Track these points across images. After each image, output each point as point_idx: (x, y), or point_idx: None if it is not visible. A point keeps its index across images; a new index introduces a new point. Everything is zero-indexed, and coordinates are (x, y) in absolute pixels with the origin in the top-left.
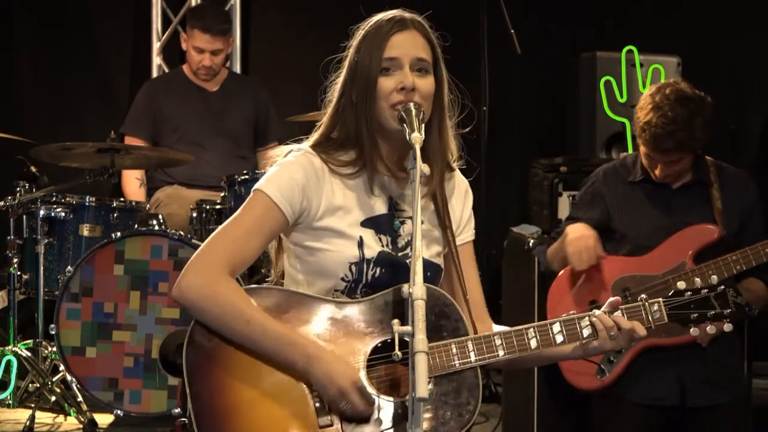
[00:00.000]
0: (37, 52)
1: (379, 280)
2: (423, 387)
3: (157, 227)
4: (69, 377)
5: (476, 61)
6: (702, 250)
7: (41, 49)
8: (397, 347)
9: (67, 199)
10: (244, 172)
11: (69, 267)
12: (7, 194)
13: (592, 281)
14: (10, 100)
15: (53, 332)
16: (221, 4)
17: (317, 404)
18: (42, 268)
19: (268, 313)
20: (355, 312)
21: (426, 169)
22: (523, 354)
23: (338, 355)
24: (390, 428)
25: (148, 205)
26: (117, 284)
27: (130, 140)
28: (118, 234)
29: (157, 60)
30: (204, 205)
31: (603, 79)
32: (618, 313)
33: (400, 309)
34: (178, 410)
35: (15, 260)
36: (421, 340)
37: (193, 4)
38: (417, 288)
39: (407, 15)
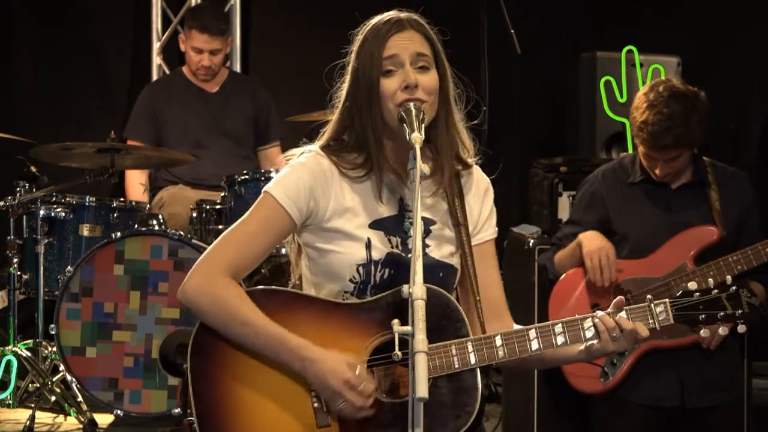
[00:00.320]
0: (37, 52)
1: (387, 282)
2: (423, 387)
3: (157, 227)
4: (69, 377)
5: (476, 61)
6: (702, 252)
7: (41, 49)
8: (397, 347)
9: (67, 199)
10: (244, 172)
11: (69, 267)
12: (7, 194)
13: (593, 285)
14: (10, 100)
15: (53, 332)
16: (221, 4)
17: (315, 404)
18: (42, 268)
19: (271, 314)
20: (356, 313)
21: (426, 168)
22: (524, 355)
23: (332, 354)
24: (389, 429)
25: (148, 206)
26: (117, 284)
27: (132, 144)
28: (118, 234)
29: (157, 60)
30: (204, 205)
31: (603, 79)
32: (623, 314)
33: (401, 309)
34: (178, 410)
35: (15, 260)
36: (421, 340)
37: (193, 3)
38: (417, 288)
39: (403, 15)
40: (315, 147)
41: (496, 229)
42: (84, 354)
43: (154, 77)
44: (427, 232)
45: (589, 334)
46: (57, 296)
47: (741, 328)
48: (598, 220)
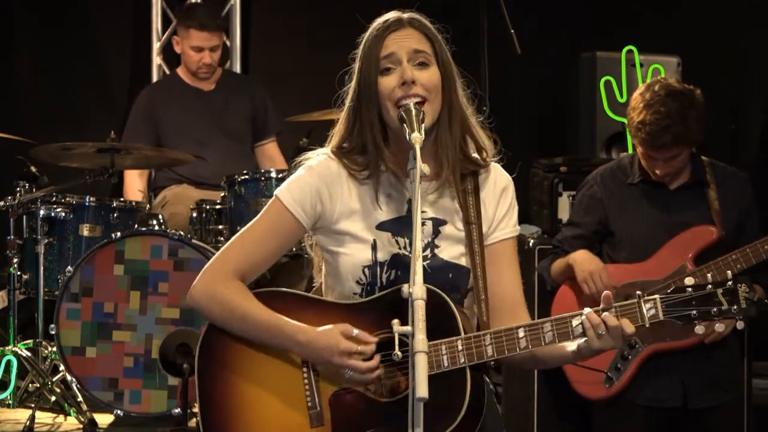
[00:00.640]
0: (37, 52)
1: (394, 283)
2: (423, 387)
3: (157, 227)
4: (69, 377)
5: (476, 61)
6: (702, 252)
7: (41, 49)
8: (397, 347)
9: (67, 199)
10: (244, 172)
11: (69, 267)
12: (7, 194)
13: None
14: (10, 100)
15: (53, 332)
16: (221, 4)
17: (309, 404)
18: (42, 268)
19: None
20: (356, 313)
21: (426, 168)
22: (512, 353)
23: (324, 331)
24: (382, 428)
25: (148, 206)
26: (117, 284)
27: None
28: (118, 234)
29: (157, 60)
30: (204, 205)
31: (603, 79)
32: (612, 311)
33: (400, 309)
34: (178, 410)
35: (15, 260)
36: (421, 340)
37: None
38: (417, 288)
39: (405, 15)
40: (326, 150)
41: (517, 227)
42: (84, 354)
43: (154, 77)
44: (436, 233)
45: (578, 331)
46: (57, 296)
47: (740, 325)
48: (597, 221)
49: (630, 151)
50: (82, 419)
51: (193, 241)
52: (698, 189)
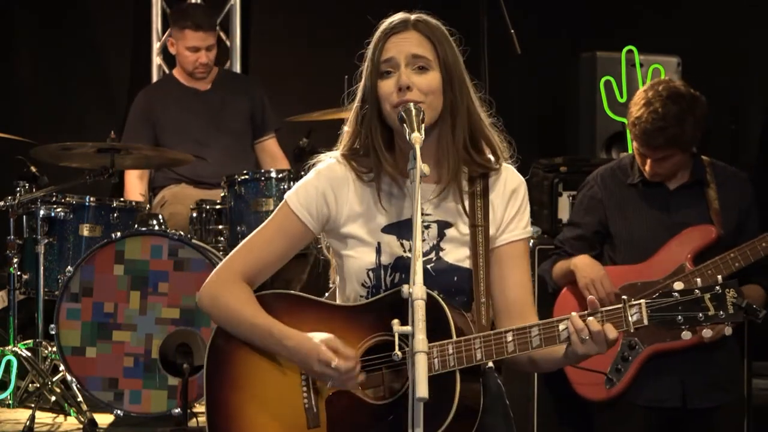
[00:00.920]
0: (37, 52)
1: (397, 286)
2: (423, 387)
3: (157, 227)
4: (69, 377)
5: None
6: (701, 252)
7: (41, 49)
8: (396, 347)
9: (67, 199)
10: (244, 172)
11: (69, 267)
12: (7, 194)
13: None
14: (10, 100)
15: (53, 332)
16: (221, 4)
17: (306, 405)
18: (42, 268)
19: (279, 317)
20: (355, 315)
21: (426, 168)
22: (501, 357)
23: (308, 337)
24: (376, 430)
25: (148, 206)
26: (117, 284)
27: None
28: (118, 234)
29: (157, 60)
30: (204, 205)
31: (603, 79)
32: (597, 316)
33: (399, 310)
34: (178, 410)
35: (15, 260)
36: (421, 340)
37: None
38: (417, 288)
39: (412, 17)
40: (336, 153)
41: (528, 229)
42: (84, 354)
43: (154, 77)
44: (441, 236)
45: (564, 336)
46: (57, 296)
47: (727, 330)
48: (598, 222)
49: (630, 151)
50: (82, 419)
51: (193, 241)
52: (698, 189)
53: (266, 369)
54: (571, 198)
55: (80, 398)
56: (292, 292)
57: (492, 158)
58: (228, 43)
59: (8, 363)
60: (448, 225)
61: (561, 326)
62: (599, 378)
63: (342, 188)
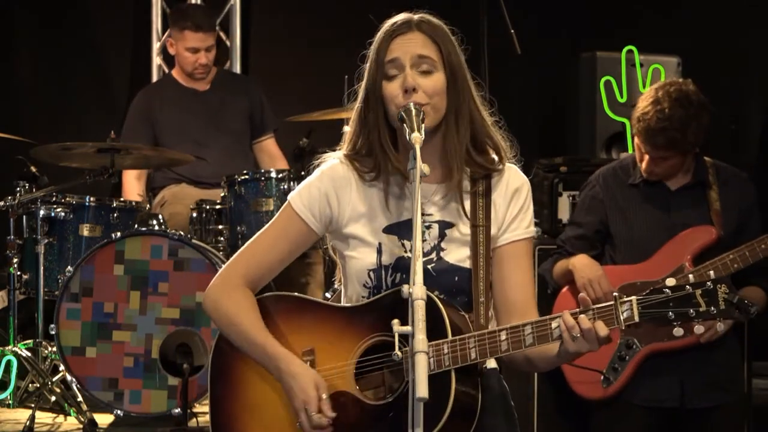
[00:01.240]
0: (37, 52)
1: (398, 286)
2: (423, 387)
3: (157, 227)
4: (69, 377)
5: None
6: (701, 252)
7: (41, 49)
8: (396, 347)
9: (67, 199)
10: (244, 172)
11: (69, 267)
12: (7, 194)
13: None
14: (10, 100)
15: (53, 332)
16: (221, 4)
17: None
18: (42, 268)
19: (280, 319)
20: (354, 316)
21: (426, 168)
22: (495, 355)
23: (303, 372)
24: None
25: (148, 206)
26: (117, 284)
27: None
28: (118, 234)
29: (157, 60)
30: (204, 205)
31: (603, 79)
32: (589, 313)
33: (398, 310)
34: (178, 410)
35: (15, 260)
36: (421, 340)
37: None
38: (417, 288)
39: (415, 17)
40: (339, 153)
41: (531, 229)
42: (84, 354)
43: (154, 77)
44: (442, 236)
45: (556, 334)
46: (57, 296)
47: (719, 326)
48: (599, 221)
49: (630, 151)
50: (82, 419)
51: (193, 241)
52: (700, 190)
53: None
54: (571, 198)
55: (80, 398)
56: (293, 294)
57: (495, 158)
58: (228, 43)
59: (8, 363)
60: (450, 225)
61: (554, 324)
62: (596, 377)
63: (344, 189)
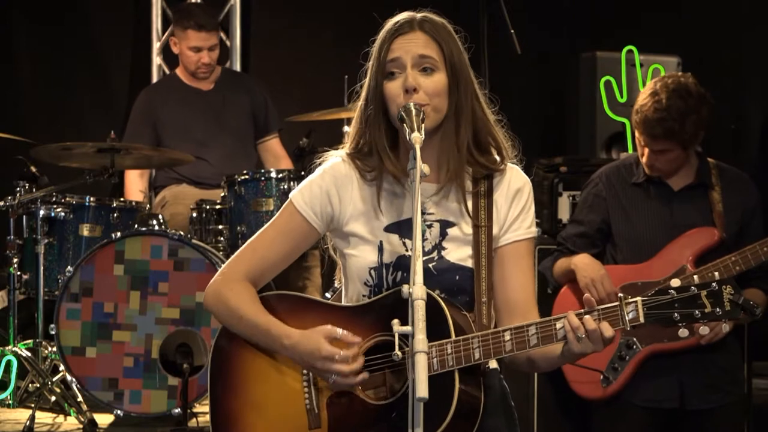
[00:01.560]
0: (37, 52)
1: (399, 285)
2: (423, 387)
3: (157, 227)
4: (69, 377)
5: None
6: (702, 254)
7: (41, 49)
8: (396, 347)
9: (67, 199)
10: (244, 172)
11: (69, 267)
12: (7, 194)
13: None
14: (10, 100)
15: (53, 332)
16: (221, 4)
17: (308, 406)
18: (42, 268)
19: (283, 317)
20: (355, 316)
21: (426, 168)
22: (499, 356)
23: (308, 333)
24: (376, 430)
25: (148, 205)
26: (117, 284)
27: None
28: (118, 234)
29: (157, 60)
30: (204, 205)
31: (603, 79)
32: (594, 314)
33: (398, 310)
34: (178, 410)
35: (15, 260)
36: (421, 340)
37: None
38: (417, 288)
39: (418, 16)
40: (341, 152)
41: (533, 229)
42: (84, 354)
43: (154, 77)
44: (443, 235)
45: (561, 335)
46: (57, 296)
47: (725, 327)
48: (601, 220)
49: (630, 151)
50: (82, 419)
51: (193, 241)
52: (702, 190)
53: (269, 370)
54: (571, 198)
55: (80, 398)
56: (294, 293)
57: (497, 158)
58: (228, 43)
59: (8, 363)
60: (451, 224)
61: (558, 325)
62: (596, 377)
63: (346, 187)
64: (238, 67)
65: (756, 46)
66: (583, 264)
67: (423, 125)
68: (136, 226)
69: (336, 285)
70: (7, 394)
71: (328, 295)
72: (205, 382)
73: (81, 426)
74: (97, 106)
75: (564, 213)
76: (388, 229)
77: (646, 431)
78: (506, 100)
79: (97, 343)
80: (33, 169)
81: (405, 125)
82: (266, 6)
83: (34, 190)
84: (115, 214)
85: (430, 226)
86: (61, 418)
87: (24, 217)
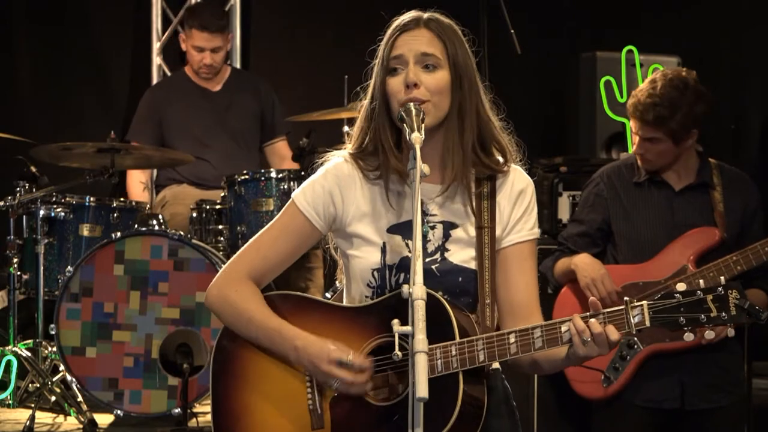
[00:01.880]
0: (37, 52)
1: (402, 286)
2: (423, 387)
3: (157, 227)
4: (69, 377)
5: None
6: (703, 254)
7: (41, 49)
8: (396, 347)
9: (67, 199)
10: (244, 172)
11: (69, 267)
12: (7, 194)
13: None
14: (10, 100)
15: (53, 332)
16: (221, 3)
17: (311, 406)
18: (42, 268)
19: (286, 318)
20: (357, 316)
21: (426, 168)
22: (504, 358)
23: (319, 338)
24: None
25: (148, 205)
26: (117, 284)
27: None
28: (118, 234)
29: (157, 60)
30: (204, 205)
31: (603, 79)
32: (599, 317)
33: (400, 311)
34: (178, 410)
35: (15, 260)
36: (421, 340)
37: (193, 2)
38: (417, 288)
39: (424, 15)
40: (344, 152)
41: (535, 231)
42: (84, 354)
43: (154, 77)
44: (447, 236)
45: (566, 338)
46: (57, 296)
47: (729, 332)
48: (602, 219)
49: (630, 151)
50: (82, 419)
51: (193, 241)
52: (703, 191)
53: (271, 370)
54: (571, 198)
55: (80, 398)
56: (297, 293)
57: (501, 160)
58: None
59: (8, 363)
60: (454, 226)
61: (563, 327)
62: (597, 376)
63: (349, 187)
64: (237, 66)
65: (756, 46)
66: (584, 264)
67: (423, 125)
68: (136, 226)
69: (337, 285)
70: (7, 394)
71: (328, 294)
72: (206, 382)
73: (81, 426)
74: (97, 106)
75: (564, 213)
76: (391, 230)
77: (647, 431)
78: (506, 101)
79: (97, 343)
80: (33, 169)
81: (405, 125)
82: (266, 6)
83: (34, 190)
84: (115, 214)
85: (433, 227)
86: (61, 418)
87: (24, 217)
